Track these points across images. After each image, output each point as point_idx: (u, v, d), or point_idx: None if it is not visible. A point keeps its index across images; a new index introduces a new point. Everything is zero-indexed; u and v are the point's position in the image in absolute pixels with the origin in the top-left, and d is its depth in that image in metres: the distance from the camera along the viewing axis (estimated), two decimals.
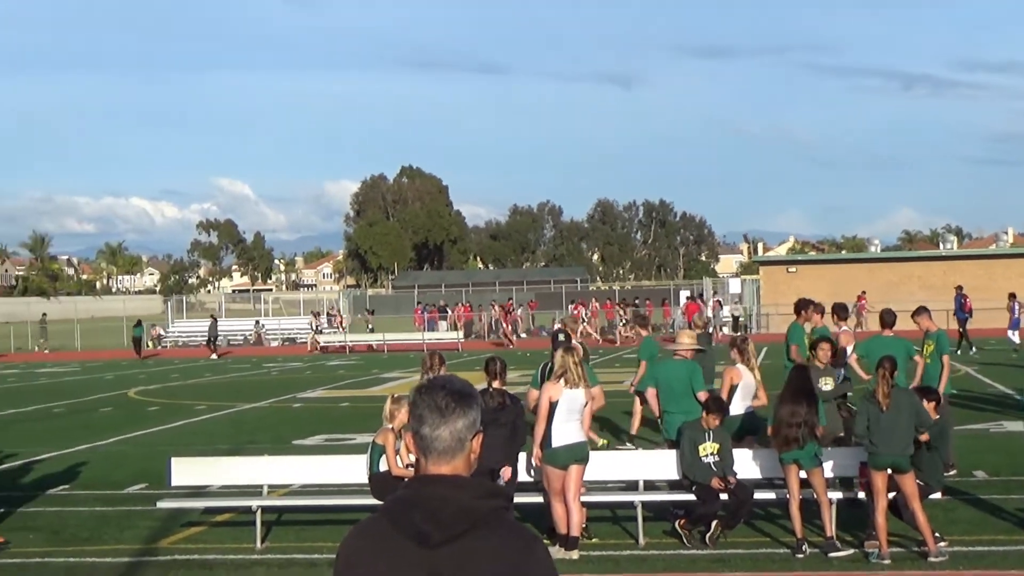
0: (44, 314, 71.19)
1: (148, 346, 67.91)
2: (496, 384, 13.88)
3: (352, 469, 15.27)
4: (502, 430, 13.32)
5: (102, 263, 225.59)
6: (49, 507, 18.10)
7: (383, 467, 14.29)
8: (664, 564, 13.62)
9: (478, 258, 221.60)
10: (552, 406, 13.85)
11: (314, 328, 70.31)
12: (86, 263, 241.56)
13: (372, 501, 14.24)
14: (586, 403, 14.04)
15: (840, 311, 20.40)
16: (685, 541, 14.29)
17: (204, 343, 64.56)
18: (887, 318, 18.80)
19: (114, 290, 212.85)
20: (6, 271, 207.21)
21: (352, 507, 15.29)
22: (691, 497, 14.76)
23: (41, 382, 46.97)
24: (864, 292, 63.83)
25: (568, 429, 13.86)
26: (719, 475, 14.31)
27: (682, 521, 14.54)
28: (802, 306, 20.04)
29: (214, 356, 61.10)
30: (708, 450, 14.45)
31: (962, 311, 49.98)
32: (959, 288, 52.46)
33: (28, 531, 16.20)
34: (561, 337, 14.85)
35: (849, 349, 19.13)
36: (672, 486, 15.39)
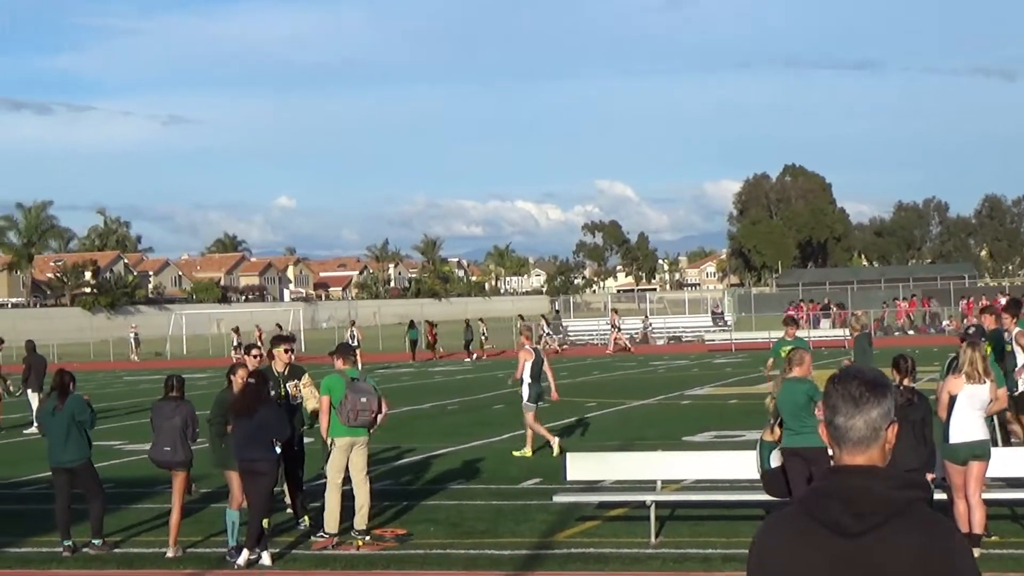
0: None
1: (426, 348, 68.16)
2: (906, 381, 13.67)
3: (742, 465, 15.21)
4: (910, 427, 13.06)
5: (490, 265, 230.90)
6: (448, 500, 18.70)
7: (774, 463, 14.19)
8: None
9: (862, 255, 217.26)
10: (951, 400, 13.54)
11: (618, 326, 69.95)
12: (475, 265, 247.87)
13: (763, 497, 14.15)
14: (990, 400, 13.64)
15: (1014, 307, 18.24)
16: None
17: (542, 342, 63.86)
18: None
19: (502, 291, 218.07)
20: (400, 274, 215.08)
21: (744, 503, 15.29)
22: None
23: (436, 380, 48.60)
24: None
25: (967, 425, 13.53)
26: None
27: None
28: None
29: (467, 360, 62.64)
30: None
31: None
32: None
33: (429, 523, 16.78)
34: (971, 331, 14.37)
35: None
36: None
